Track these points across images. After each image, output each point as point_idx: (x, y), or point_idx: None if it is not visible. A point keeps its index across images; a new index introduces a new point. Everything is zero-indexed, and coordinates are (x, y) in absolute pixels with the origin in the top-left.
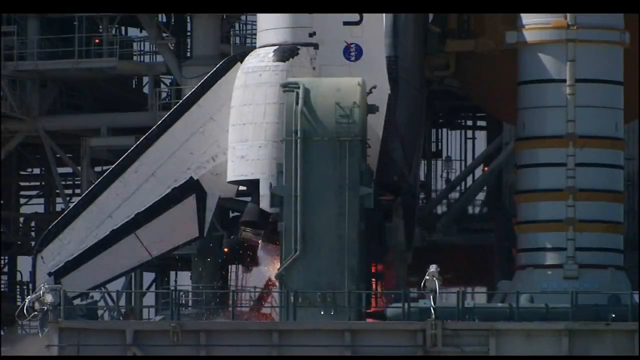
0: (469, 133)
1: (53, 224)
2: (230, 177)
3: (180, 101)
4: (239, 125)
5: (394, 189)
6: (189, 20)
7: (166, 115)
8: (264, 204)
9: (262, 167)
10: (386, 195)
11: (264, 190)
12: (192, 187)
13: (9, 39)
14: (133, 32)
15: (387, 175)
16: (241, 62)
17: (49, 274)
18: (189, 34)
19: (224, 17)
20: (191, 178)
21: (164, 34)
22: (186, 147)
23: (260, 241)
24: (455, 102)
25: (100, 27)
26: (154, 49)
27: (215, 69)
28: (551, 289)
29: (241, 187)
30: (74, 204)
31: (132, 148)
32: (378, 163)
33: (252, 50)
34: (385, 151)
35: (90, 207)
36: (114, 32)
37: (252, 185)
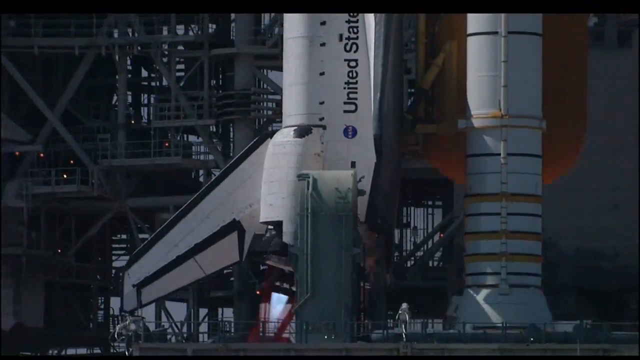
0: (430, 210)
1: (137, 250)
2: (262, 218)
3: (229, 163)
4: (269, 182)
5: (378, 229)
6: (232, 130)
7: (219, 174)
8: (286, 238)
9: (285, 212)
10: (370, 235)
11: (286, 229)
12: (235, 226)
13: (104, 143)
14: (192, 138)
15: (373, 219)
16: (271, 138)
17: (133, 286)
18: (231, 139)
19: (257, 128)
20: (234, 219)
21: (214, 140)
22: (232, 197)
23: (283, 266)
24: (420, 187)
25: (169, 134)
26: (207, 150)
27: (253, 141)
28: (491, 302)
29: (269, 227)
30: (151, 236)
31: (193, 197)
32: (367, 210)
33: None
34: (371, 202)
35: (163, 239)
36: (178, 137)
37: (278, 225)
